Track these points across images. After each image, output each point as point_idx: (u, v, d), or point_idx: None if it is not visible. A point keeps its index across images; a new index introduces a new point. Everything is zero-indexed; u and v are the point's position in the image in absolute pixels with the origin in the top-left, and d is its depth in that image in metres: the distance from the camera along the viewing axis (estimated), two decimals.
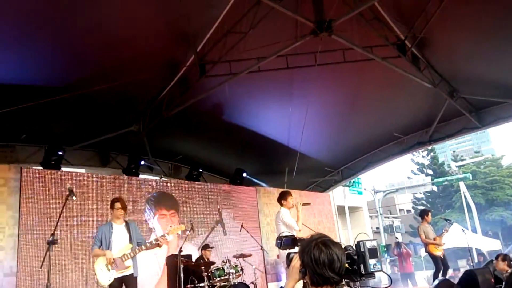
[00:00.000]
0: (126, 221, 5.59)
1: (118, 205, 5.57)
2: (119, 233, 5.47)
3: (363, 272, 2.25)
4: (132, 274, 5.37)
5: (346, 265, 2.15)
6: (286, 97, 8.51)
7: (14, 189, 6.80)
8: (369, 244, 2.22)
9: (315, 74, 7.25)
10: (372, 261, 2.19)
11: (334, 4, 5.95)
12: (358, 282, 2.43)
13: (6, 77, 6.21)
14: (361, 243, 2.21)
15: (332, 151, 11.26)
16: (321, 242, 1.97)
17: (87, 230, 7.30)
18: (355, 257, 2.22)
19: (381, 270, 2.77)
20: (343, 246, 2.05)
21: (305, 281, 2.14)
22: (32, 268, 6.52)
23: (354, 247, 2.48)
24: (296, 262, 2.19)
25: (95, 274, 5.22)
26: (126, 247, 5.38)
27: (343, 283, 2.03)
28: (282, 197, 6.34)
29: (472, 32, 7.19)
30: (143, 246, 5.43)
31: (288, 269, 2.25)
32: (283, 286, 2.29)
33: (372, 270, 2.27)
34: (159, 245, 5.57)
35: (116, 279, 5.21)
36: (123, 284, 5.31)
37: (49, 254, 3.96)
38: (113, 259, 5.21)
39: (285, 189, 7.63)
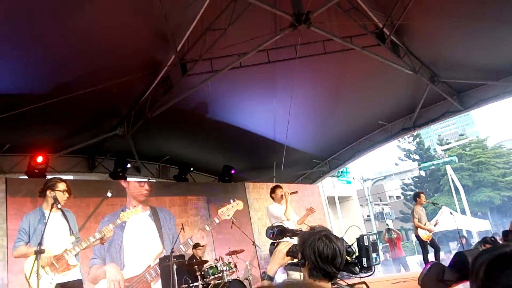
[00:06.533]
0: (61, 209, 4.14)
1: (63, 186, 4.20)
2: (56, 224, 4.09)
3: (365, 265, 2.26)
4: (80, 279, 4.23)
5: (347, 257, 2.15)
6: (269, 92, 8.51)
7: (0, 200, 6.71)
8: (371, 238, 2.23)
9: (297, 67, 7.26)
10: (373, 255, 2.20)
11: None
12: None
13: None
14: (365, 237, 2.20)
15: (318, 143, 11.31)
16: (325, 235, 1.94)
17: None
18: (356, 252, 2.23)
19: (379, 263, 2.79)
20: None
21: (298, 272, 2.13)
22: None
23: (344, 238, 2.47)
24: (284, 248, 2.19)
25: (28, 281, 3.85)
26: (68, 241, 4.12)
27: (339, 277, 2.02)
28: (271, 191, 6.45)
29: (449, 17, 7.24)
30: (82, 243, 4.17)
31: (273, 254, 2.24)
32: (265, 271, 2.27)
33: (374, 264, 2.28)
34: (102, 240, 4.28)
35: (57, 285, 3.95)
36: None
37: (37, 264, 3.86)
38: (53, 258, 3.96)
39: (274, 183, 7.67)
